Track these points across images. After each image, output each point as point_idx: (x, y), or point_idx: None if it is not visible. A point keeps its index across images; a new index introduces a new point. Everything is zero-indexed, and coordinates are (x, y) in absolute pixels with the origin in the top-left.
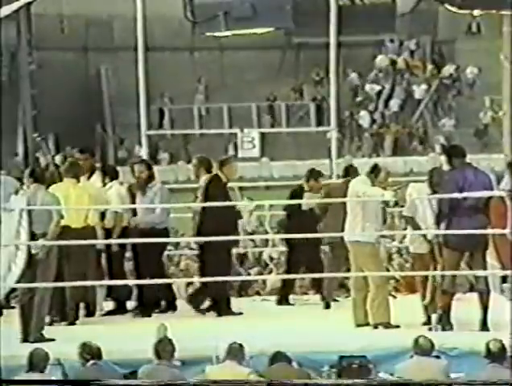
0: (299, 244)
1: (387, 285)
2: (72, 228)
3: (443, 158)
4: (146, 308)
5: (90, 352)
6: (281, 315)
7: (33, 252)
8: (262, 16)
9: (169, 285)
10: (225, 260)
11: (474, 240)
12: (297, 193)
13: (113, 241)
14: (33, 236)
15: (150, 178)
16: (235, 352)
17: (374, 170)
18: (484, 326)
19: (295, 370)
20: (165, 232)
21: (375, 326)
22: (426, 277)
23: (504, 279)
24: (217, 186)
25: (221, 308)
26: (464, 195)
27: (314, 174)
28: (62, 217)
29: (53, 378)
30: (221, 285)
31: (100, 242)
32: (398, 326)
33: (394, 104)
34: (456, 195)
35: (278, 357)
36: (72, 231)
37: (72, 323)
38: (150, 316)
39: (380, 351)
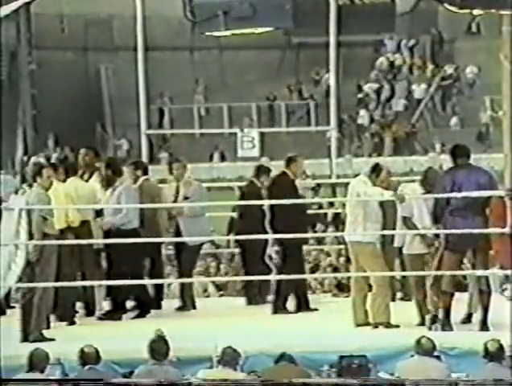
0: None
1: (388, 285)
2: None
3: (443, 157)
4: (117, 310)
5: (87, 358)
6: (280, 315)
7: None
8: (262, 16)
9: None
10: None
11: (471, 241)
12: (249, 191)
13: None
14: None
15: (115, 176)
16: (229, 358)
17: (375, 170)
18: (484, 326)
19: (298, 370)
20: (134, 233)
21: (375, 326)
22: (423, 278)
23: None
24: (285, 183)
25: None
26: (464, 194)
27: (263, 171)
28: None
29: (51, 378)
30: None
31: (92, 241)
32: (397, 326)
33: (399, 104)
34: (454, 194)
35: (282, 357)
36: (68, 231)
37: (72, 323)
38: (120, 319)
39: (380, 351)
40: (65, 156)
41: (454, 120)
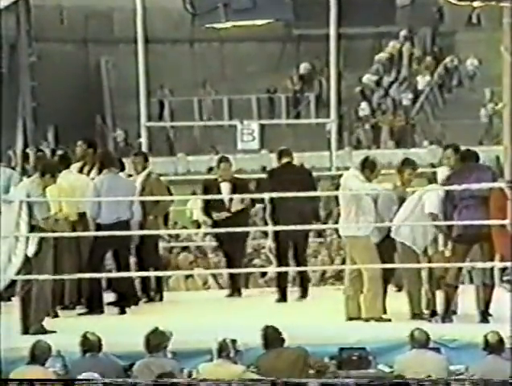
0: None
1: (380, 279)
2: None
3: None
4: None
5: (89, 344)
6: (280, 308)
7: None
8: (262, 7)
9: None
10: None
11: (477, 232)
12: (211, 184)
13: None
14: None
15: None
16: (227, 349)
17: (369, 165)
18: (484, 319)
19: (292, 350)
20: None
21: (367, 320)
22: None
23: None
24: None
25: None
26: (464, 186)
27: (223, 160)
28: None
29: (51, 369)
30: None
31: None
32: (389, 320)
33: (399, 96)
34: (454, 187)
35: (270, 340)
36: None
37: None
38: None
39: (379, 344)
40: (53, 149)
41: (483, 111)
